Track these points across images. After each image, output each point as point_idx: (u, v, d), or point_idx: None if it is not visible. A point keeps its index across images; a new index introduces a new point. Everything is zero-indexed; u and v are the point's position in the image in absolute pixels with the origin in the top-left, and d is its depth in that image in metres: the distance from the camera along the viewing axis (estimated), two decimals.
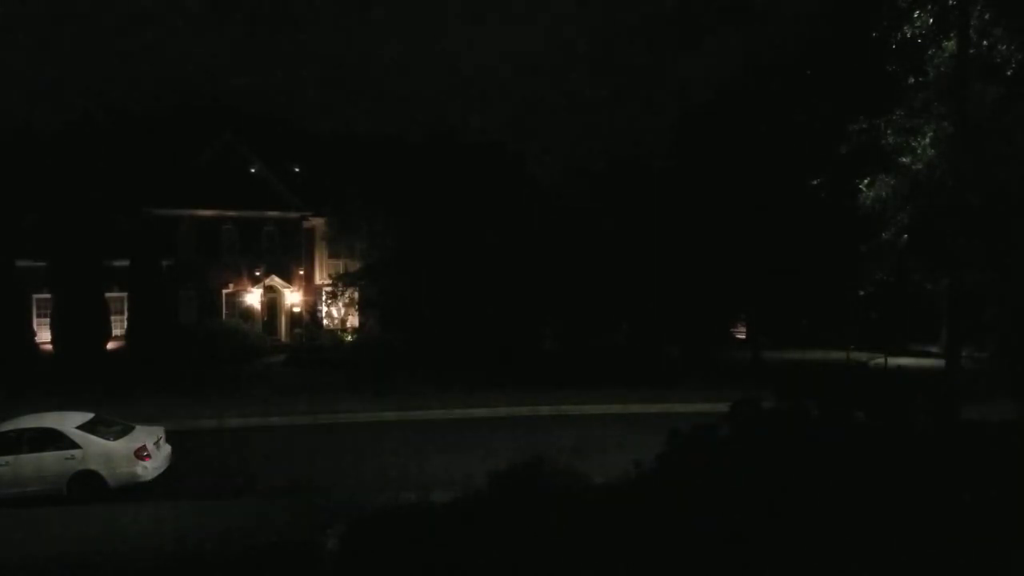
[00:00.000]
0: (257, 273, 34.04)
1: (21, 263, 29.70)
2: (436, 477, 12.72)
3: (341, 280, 33.00)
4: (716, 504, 6.51)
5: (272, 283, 34.39)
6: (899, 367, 24.35)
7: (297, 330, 33.81)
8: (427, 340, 29.39)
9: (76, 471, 12.47)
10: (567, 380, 24.22)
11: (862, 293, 23.49)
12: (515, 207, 30.32)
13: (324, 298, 34.31)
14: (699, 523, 6.31)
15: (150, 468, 12.88)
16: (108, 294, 30.25)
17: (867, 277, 21.14)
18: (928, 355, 31.40)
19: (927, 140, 16.10)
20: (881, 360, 29.20)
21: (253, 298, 34.02)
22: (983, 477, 6.89)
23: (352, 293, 33.15)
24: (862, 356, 30.82)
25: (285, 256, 34.59)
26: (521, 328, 30.33)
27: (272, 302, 34.88)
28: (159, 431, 13.84)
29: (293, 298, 34.79)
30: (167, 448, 13.81)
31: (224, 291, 33.99)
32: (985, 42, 14.71)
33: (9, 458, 12.38)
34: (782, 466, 6.84)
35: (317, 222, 35.19)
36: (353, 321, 34.07)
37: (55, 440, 12.61)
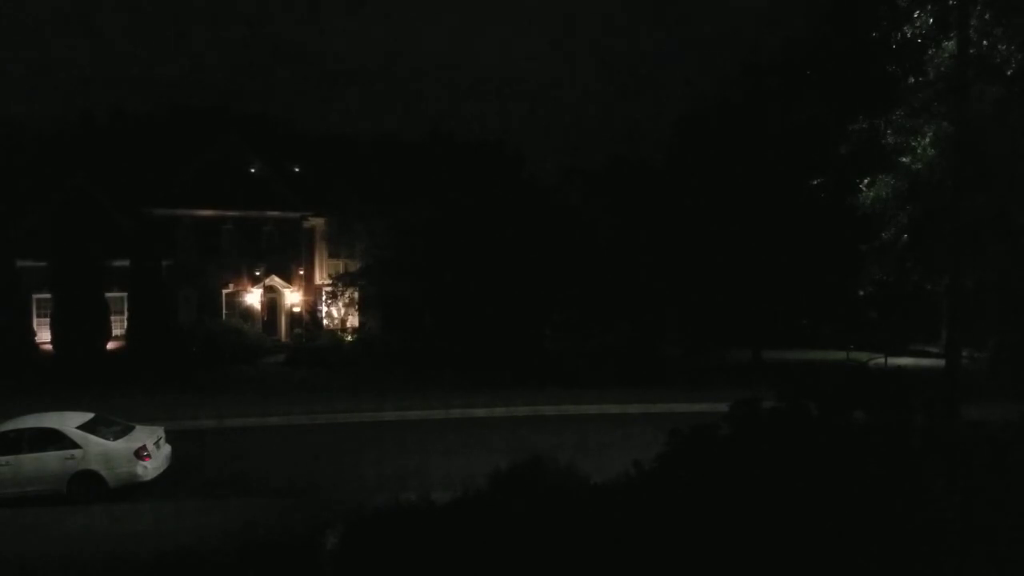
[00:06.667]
0: (257, 273, 34.01)
1: (21, 263, 29.72)
2: (436, 477, 12.73)
3: (341, 280, 33.01)
4: (716, 504, 6.51)
5: (272, 283, 34.36)
6: (899, 367, 24.35)
7: (297, 330, 33.77)
8: (427, 340, 29.40)
9: (76, 471, 12.48)
10: (567, 380, 24.21)
11: (862, 293, 23.48)
12: (515, 206, 30.32)
13: (324, 298, 34.26)
14: (699, 523, 6.32)
15: (150, 468, 12.89)
16: (108, 294, 30.22)
17: (867, 277, 21.13)
18: (928, 355, 31.39)
19: (927, 140, 16.09)
20: (881, 360, 29.21)
21: (253, 298, 33.99)
22: (983, 477, 6.89)
23: (352, 293, 33.14)
24: (862, 356, 30.82)
25: (285, 256, 34.54)
26: (521, 328, 30.33)
27: (272, 302, 34.85)
28: (159, 431, 13.85)
29: (293, 298, 34.76)
30: (167, 448, 13.82)
31: (224, 291, 33.96)
32: (985, 42, 14.68)
33: (9, 458, 12.39)
34: (782, 466, 6.84)
35: (317, 222, 35.16)
36: (353, 321, 34.03)
37: (55, 440, 12.62)
